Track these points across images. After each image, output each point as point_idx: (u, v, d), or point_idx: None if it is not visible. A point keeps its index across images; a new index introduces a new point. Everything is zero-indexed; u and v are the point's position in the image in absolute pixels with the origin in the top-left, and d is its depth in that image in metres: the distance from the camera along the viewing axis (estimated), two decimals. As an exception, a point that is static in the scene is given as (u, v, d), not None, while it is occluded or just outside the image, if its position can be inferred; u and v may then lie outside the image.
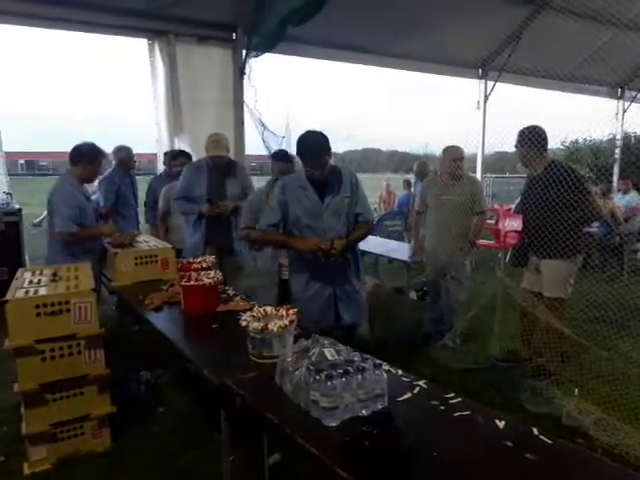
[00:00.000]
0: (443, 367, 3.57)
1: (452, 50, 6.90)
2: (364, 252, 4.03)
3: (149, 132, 5.63)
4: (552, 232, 3.21)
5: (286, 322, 1.90)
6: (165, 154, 5.08)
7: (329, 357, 1.61)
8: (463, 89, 7.94)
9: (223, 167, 3.85)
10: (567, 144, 11.31)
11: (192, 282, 2.48)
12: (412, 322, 4.32)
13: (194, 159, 4.50)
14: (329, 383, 1.48)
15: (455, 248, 3.82)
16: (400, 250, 4.87)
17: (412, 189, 8.24)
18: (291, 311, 1.99)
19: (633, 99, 9.30)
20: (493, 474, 1.30)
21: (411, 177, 9.71)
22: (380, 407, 1.54)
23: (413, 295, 4.89)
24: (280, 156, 3.66)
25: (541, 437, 1.47)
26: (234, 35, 5.53)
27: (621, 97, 9.47)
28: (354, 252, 2.93)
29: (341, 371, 1.53)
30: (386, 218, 7.55)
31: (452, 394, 1.70)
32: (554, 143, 11.27)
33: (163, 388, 3.28)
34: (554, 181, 3.20)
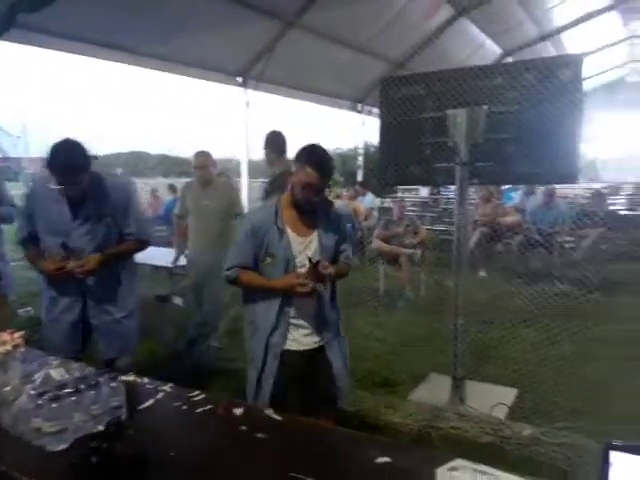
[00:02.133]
0: (208, 368, 3.60)
1: (212, 56, 7.04)
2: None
3: None
4: None
5: (8, 347, 1.69)
6: None
7: (57, 378, 1.51)
8: (227, 95, 8.21)
9: None
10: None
11: None
12: (176, 329, 4.26)
13: None
14: (54, 405, 1.38)
15: (215, 250, 3.88)
16: (164, 256, 4.75)
17: (177, 193, 8.13)
18: (16, 334, 1.78)
19: (370, 113, 10.95)
20: (227, 459, 1.41)
21: (177, 181, 9.60)
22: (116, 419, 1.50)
23: (179, 301, 4.79)
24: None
25: (272, 416, 1.65)
26: (-54, 13, 4.61)
27: (361, 111, 11.05)
28: (116, 277, 2.47)
29: (70, 390, 1.45)
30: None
31: (196, 392, 1.76)
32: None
33: None
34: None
